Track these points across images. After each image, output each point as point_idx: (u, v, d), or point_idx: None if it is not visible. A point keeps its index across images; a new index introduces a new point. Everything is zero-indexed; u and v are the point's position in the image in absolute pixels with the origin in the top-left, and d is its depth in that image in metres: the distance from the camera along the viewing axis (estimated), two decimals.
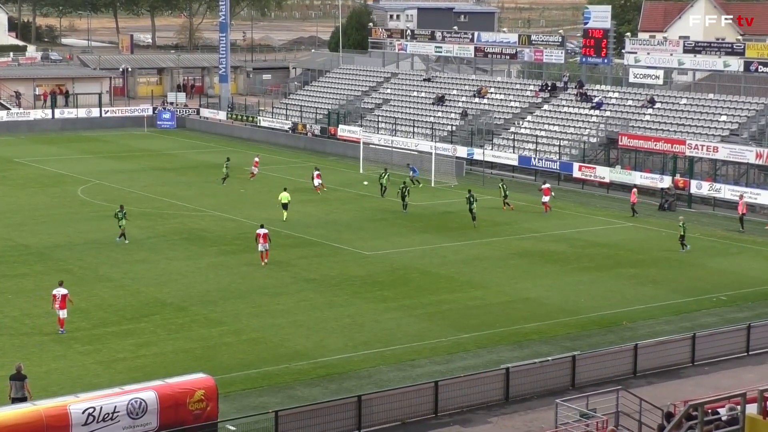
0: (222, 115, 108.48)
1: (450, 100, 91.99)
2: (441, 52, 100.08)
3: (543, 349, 38.35)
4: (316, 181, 70.24)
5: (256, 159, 77.47)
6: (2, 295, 44.43)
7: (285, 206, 60.69)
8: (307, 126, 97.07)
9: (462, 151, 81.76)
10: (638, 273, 50.11)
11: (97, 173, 76.85)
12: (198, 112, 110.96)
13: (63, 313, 39.58)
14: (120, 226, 54.56)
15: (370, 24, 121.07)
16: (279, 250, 52.65)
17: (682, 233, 54.61)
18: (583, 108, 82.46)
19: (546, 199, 64.43)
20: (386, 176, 69.29)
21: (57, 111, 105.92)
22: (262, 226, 51.14)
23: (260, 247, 50.34)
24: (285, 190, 62.15)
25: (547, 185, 65.50)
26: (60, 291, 39.60)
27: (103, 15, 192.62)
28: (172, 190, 70.56)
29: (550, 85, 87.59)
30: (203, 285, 46.54)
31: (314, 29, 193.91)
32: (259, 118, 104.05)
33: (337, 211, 64.17)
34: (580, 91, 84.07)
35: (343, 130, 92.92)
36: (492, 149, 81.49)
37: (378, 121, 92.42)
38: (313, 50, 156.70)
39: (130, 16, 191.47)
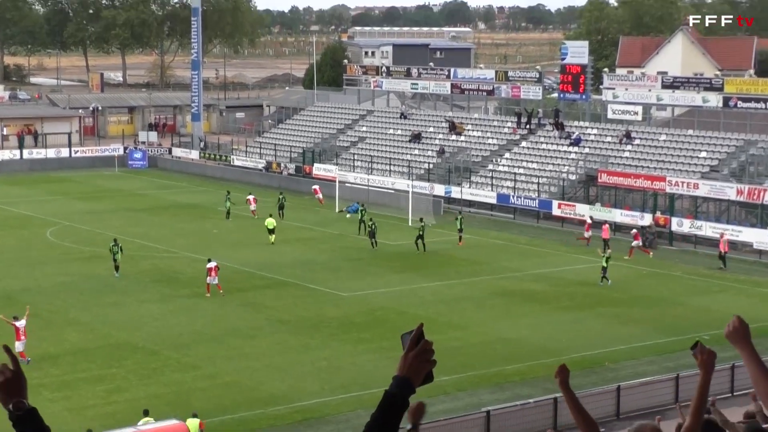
0: (194, 154, 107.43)
1: (426, 138, 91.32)
2: (417, 88, 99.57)
3: (524, 390, 37.62)
4: (252, 206, 73.22)
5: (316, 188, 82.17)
6: None
7: (271, 231, 63.34)
8: (281, 164, 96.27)
9: (439, 189, 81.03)
10: (619, 312, 49.42)
11: (67, 214, 75.53)
12: (170, 152, 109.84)
13: (21, 345, 39.19)
14: (115, 260, 54.35)
15: (345, 61, 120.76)
16: (253, 291, 51.97)
17: (604, 265, 54.29)
18: (562, 145, 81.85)
19: (635, 243, 62.44)
20: (365, 213, 68.51)
21: (26, 151, 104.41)
22: (210, 260, 51.37)
23: (209, 280, 50.56)
24: (271, 216, 64.82)
25: (635, 230, 63.81)
26: (22, 323, 39.81)
27: (73, 53, 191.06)
28: (143, 230, 69.31)
29: (528, 112, 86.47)
30: (176, 328, 45.61)
31: (288, 66, 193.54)
32: (232, 156, 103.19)
33: (312, 251, 63.23)
34: (557, 121, 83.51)
35: (319, 169, 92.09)
36: (470, 187, 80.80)
37: (354, 159, 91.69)
38: (287, 87, 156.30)
39: (100, 54, 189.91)
